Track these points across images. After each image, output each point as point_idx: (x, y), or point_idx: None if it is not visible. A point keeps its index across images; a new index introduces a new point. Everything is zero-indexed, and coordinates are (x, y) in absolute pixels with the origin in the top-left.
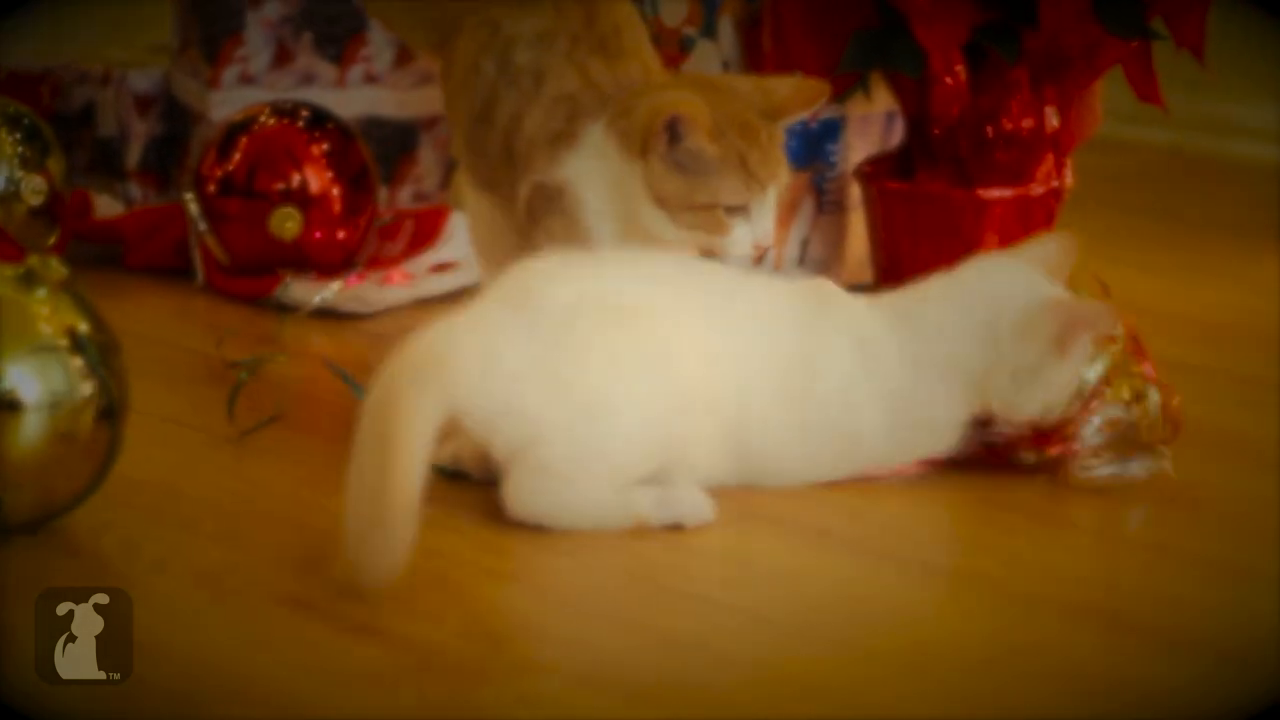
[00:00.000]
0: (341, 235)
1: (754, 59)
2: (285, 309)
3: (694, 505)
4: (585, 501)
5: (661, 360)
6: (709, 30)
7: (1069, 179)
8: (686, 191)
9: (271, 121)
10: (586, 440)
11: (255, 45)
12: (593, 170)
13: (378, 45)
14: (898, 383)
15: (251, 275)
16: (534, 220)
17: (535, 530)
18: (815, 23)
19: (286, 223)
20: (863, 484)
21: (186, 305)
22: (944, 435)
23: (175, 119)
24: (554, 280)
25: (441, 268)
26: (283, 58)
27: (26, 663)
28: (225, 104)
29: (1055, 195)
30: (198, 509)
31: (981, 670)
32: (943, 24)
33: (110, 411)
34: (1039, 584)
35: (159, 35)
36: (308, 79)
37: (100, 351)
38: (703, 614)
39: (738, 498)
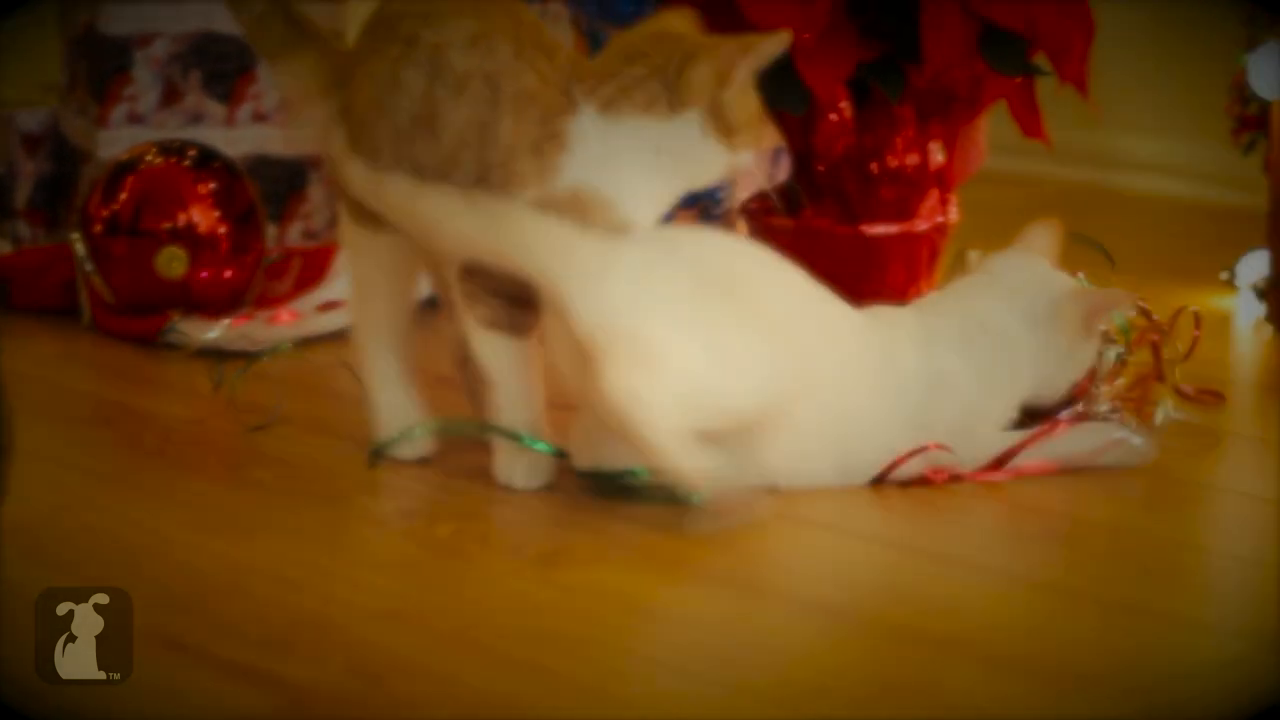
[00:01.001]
0: (228, 274)
1: None
2: (173, 348)
3: (745, 495)
4: (668, 427)
5: (779, 337)
6: None
7: (954, 214)
8: (759, 107)
9: (158, 161)
10: (697, 366)
11: (144, 84)
12: (601, 155)
13: (266, 84)
14: (965, 374)
15: (138, 315)
16: None
17: (413, 568)
18: None
19: (173, 262)
20: (755, 525)
21: (72, 346)
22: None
23: (64, 158)
24: (699, 237)
25: (329, 306)
26: (171, 96)
27: (26, 663)
28: (114, 143)
29: (940, 231)
30: (78, 551)
31: (873, 709)
32: (827, 61)
33: None
34: (929, 621)
35: (48, 74)
36: (196, 118)
37: None
38: (585, 654)
39: (626, 538)
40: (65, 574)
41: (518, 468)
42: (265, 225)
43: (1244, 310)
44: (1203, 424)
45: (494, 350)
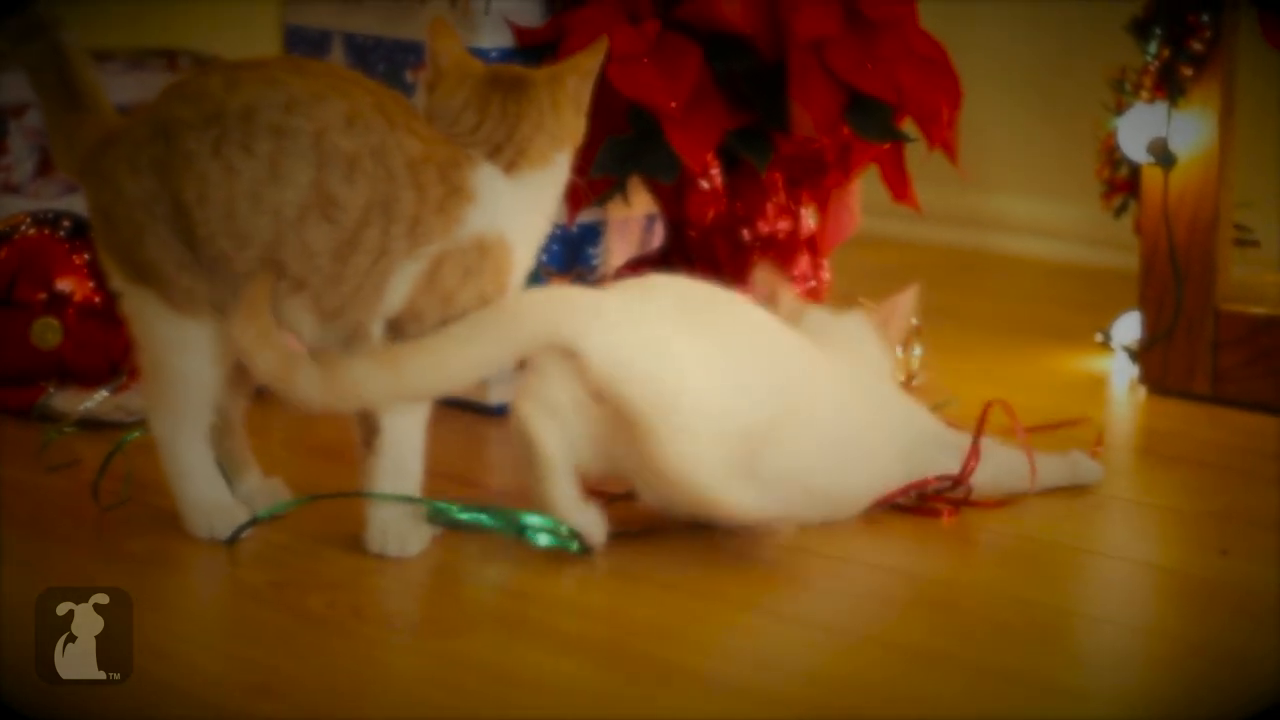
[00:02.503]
0: (104, 344)
1: None
2: (49, 419)
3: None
4: (716, 468)
5: (767, 350)
6: None
7: (827, 278)
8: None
9: (32, 231)
10: (720, 403)
11: (19, 154)
12: (500, 203)
13: None
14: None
15: (14, 386)
16: (448, 298)
17: (285, 640)
18: None
19: (47, 333)
20: (622, 592)
21: None
22: None
23: None
24: (689, 283)
25: None
26: (46, 166)
27: (26, 663)
28: None
29: (813, 295)
30: None
31: None
32: (695, 129)
33: None
34: (796, 689)
35: None
36: (72, 187)
37: None
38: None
39: (495, 606)
40: None
41: (390, 536)
42: None
43: (1118, 372)
44: (1079, 486)
45: (404, 416)
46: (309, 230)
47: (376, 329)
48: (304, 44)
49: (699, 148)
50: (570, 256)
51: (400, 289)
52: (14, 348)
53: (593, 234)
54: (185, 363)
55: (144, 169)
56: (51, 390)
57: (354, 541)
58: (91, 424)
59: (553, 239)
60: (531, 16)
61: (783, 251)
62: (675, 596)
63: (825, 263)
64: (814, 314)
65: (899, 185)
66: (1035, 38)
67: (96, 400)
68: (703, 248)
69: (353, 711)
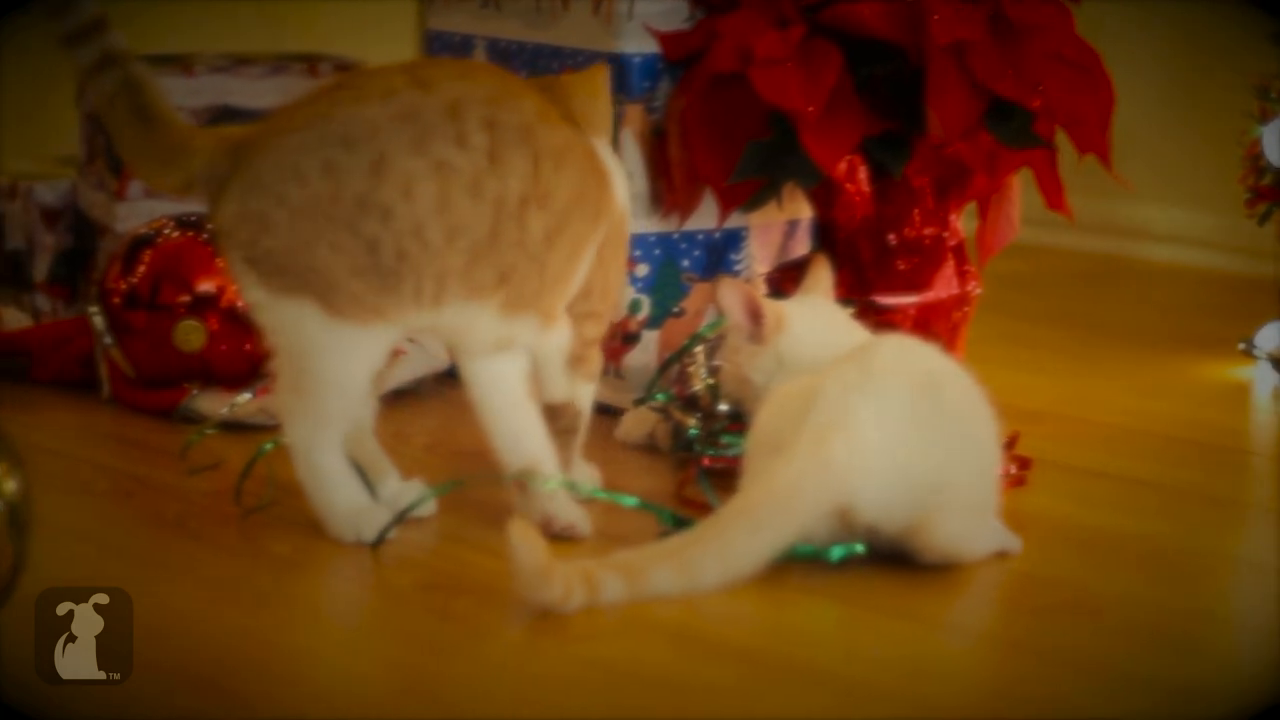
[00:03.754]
0: (247, 347)
1: (660, 168)
2: (191, 422)
3: (1010, 536)
4: (986, 533)
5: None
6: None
7: (974, 286)
8: None
9: (175, 234)
10: (983, 485)
11: None
12: (616, 174)
13: None
14: None
15: (157, 388)
16: (606, 270)
17: (431, 643)
18: (716, 133)
19: (191, 335)
20: (767, 598)
21: (92, 419)
22: None
23: (82, 231)
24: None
25: None
26: None
27: (26, 663)
28: (131, 216)
29: (956, 302)
30: None
31: None
32: (831, 134)
33: (15, 527)
34: (954, 697)
35: (66, 147)
36: None
37: (4, 469)
38: None
39: (641, 611)
40: None
41: (575, 509)
42: None
43: (1261, 380)
44: (1221, 494)
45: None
46: (529, 218)
47: (561, 309)
48: (446, 48)
49: (834, 152)
50: (713, 262)
51: (584, 270)
52: (157, 350)
53: (735, 240)
54: (340, 369)
55: (313, 174)
56: (194, 392)
57: (500, 544)
58: (234, 426)
59: (695, 244)
60: (674, 21)
61: (928, 257)
62: (822, 602)
63: (973, 270)
64: (800, 310)
65: (1053, 192)
66: (1180, 46)
67: (239, 403)
68: (848, 250)
69: (499, 714)
